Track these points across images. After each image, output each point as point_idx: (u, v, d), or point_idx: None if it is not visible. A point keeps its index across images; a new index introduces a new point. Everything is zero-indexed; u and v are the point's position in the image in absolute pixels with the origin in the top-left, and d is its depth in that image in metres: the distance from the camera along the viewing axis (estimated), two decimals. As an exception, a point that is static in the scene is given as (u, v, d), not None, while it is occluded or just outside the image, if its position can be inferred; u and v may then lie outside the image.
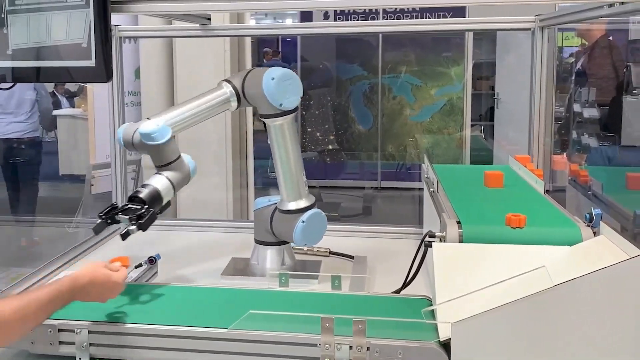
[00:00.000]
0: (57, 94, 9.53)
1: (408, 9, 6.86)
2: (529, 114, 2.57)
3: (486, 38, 8.25)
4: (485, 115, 8.94)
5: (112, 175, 2.67)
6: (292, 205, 1.96)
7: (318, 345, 1.36)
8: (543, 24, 2.47)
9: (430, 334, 1.35)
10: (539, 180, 1.94)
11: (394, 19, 6.73)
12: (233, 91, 1.91)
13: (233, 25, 3.73)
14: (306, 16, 7.35)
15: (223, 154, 4.00)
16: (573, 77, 5.41)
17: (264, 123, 1.94)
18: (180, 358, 1.45)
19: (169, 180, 1.78)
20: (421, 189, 2.36)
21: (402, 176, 7.53)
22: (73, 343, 1.46)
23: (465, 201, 1.81)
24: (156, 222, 2.62)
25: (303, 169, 1.99)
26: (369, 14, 7.10)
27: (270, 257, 2.04)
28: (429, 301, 1.56)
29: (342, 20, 7.20)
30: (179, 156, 1.82)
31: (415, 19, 6.41)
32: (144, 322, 1.48)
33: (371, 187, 7.50)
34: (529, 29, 2.52)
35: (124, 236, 1.65)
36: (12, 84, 2.26)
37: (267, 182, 5.90)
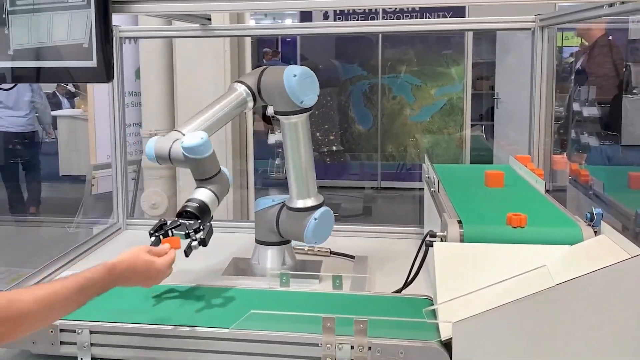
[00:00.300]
0: (58, 94, 9.53)
1: (408, 9, 6.86)
2: (529, 113, 2.57)
3: (486, 38, 8.25)
4: (486, 115, 8.94)
5: (113, 176, 2.67)
6: (301, 203, 1.97)
7: (319, 345, 1.36)
8: (543, 24, 2.47)
9: (431, 334, 1.35)
10: (540, 180, 1.95)
11: (393, 18, 6.72)
12: (248, 90, 1.92)
13: (233, 25, 3.73)
14: (306, 16, 7.35)
15: (223, 154, 3.99)
16: (573, 77, 5.42)
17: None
18: (182, 358, 1.45)
19: (214, 193, 1.78)
20: (421, 189, 2.36)
21: (402, 176, 7.53)
22: (74, 343, 1.46)
23: (466, 201, 1.81)
24: (156, 222, 2.66)
25: (314, 168, 2.00)
26: (369, 14, 7.10)
27: (271, 257, 2.04)
28: (430, 301, 1.56)
29: (342, 20, 7.20)
30: (220, 169, 1.83)
31: (415, 18, 6.41)
32: (146, 322, 1.48)
33: (371, 188, 7.50)
34: (529, 29, 2.52)
35: (187, 252, 1.65)
36: (14, 84, 2.25)
37: (267, 183, 5.90)
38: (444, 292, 1.41)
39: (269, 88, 1.91)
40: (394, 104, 7.56)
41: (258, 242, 2.06)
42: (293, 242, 2.08)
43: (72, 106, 9.39)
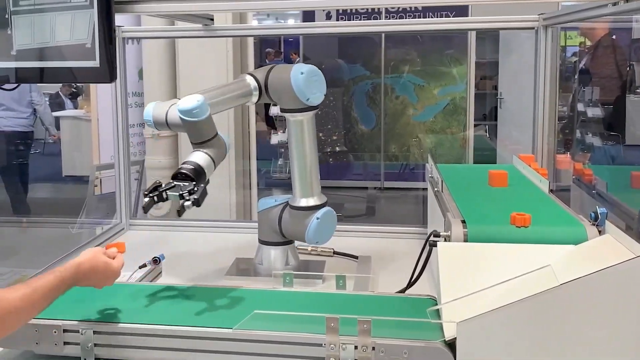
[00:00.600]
0: (61, 95, 9.56)
1: (411, 8, 6.87)
2: (532, 113, 2.57)
3: (489, 37, 8.24)
4: (489, 114, 8.93)
5: (116, 176, 2.68)
6: (305, 202, 1.97)
7: (323, 345, 1.36)
8: (546, 23, 2.46)
9: (435, 334, 1.35)
10: (544, 180, 1.94)
11: (396, 18, 6.72)
12: (256, 84, 1.92)
13: (235, 25, 3.73)
14: (308, 16, 7.35)
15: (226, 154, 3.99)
16: (576, 76, 5.41)
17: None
18: (185, 358, 1.45)
19: (210, 156, 1.76)
20: (424, 189, 2.36)
21: (405, 176, 7.52)
22: (78, 344, 1.46)
23: (470, 200, 1.80)
24: (160, 222, 2.66)
25: (318, 167, 2.00)
26: (372, 14, 7.10)
27: (274, 257, 2.04)
28: (434, 301, 1.56)
29: (345, 20, 7.20)
30: (216, 133, 1.80)
31: (418, 18, 6.40)
32: (149, 323, 1.48)
33: (374, 188, 7.49)
34: (533, 28, 2.51)
35: (180, 212, 1.63)
36: (17, 84, 2.26)
37: (270, 183, 5.91)
38: (448, 292, 1.41)
39: (276, 84, 1.91)
40: (397, 103, 7.56)
41: (261, 242, 2.06)
42: (296, 242, 2.08)
43: (75, 107, 9.41)
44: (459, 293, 1.35)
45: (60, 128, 8.41)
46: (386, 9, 6.73)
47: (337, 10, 7.09)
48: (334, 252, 2.23)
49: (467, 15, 6.27)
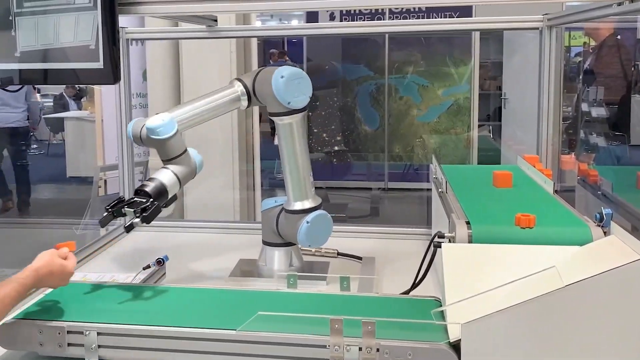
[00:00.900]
0: (65, 96, 9.58)
1: (414, 9, 6.85)
2: (537, 113, 2.56)
3: (493, 38, 8.23)
4: (493, 115, 8.92)
5: (120, 177, 2.68)
6: (298, 205, 1.96)
7: (327, 347, 1.35)
8: (551, 23, 2.46)
9: (440, 335, 1.35)
10: (548, 180, 1.93)
11: (400, 19, 6.71)
12: (244, 89, 1.92)
13: (239, 26, 3.74)
14: (312, 17, 7.35)
15: (230, 155, 4.00)
16: (581, 77, 5.40)
17: (272, 123, 1.95)
18: (189, 360, 1.44)
19: (175, 175, 1.81)
20: (428, 190, 2.35)
21: (409, 177, 7.51)
22: (82, 345, 1.46)
23: (474, 201, 1.80)
24: (164, 223, 2.66)
25: (310, 170, 1.99)
26: (375, 14, 7.09)
27: (278, 258, 2.03)
28: (439, 302, 1.55)
29: (348, 21, 7.19)
30: (185, 150, 1.84)
31: (422, 18, 6.39)
32: (153, 324, 1.48)
33: (378, 188, 7.49)
34: (537, 28, 2.51)
35: (128, 228, 1.72)
36: (21, 85, 2.27)
37: (274, 184, 5.90)
38: (453, 293, 1.40)
39: (261, 88, 1.91)
40: (400, 104, 7.55)
41: (265, 243, 2.06)
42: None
43: (79, 108, 9.45)
44: (464, 294, 1.34)
45: (65, 129, 8.44)
46: (390, 9, 6.71)
47: (341, 11, 7.08)
48: (338, 253, 2.22)
49: (471, 16, 6.26)
